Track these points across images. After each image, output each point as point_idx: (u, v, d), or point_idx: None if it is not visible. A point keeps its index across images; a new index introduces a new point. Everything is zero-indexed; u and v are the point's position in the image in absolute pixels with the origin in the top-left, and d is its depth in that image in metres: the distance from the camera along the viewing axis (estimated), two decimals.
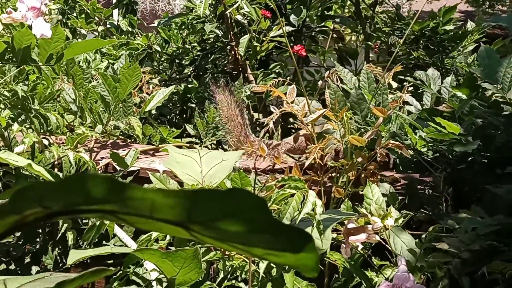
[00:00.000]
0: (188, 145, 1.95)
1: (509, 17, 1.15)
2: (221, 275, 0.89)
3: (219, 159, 1.00)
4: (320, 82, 1.48)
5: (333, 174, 1.35)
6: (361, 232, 1.00)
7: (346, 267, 1.03)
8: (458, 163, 1.37)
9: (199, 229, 0.40)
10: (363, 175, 1.43)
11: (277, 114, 1.46)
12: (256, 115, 2.62)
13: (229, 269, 0.88)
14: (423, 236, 1.04)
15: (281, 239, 0.39)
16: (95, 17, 2.84)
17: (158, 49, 2.60)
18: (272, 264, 0.86)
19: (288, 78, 2.89)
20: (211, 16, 2.42)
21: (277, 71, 3.04)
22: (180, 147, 2.01)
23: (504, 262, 0.97)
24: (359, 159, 1.37)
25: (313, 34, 2.67)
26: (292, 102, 1.47)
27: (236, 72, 2.55)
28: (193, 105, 2.60)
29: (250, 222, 0.35)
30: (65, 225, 1.31)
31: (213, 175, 0.97)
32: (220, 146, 2.41)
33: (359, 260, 1.17)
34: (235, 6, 2.15)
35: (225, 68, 2.68)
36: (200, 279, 0.92)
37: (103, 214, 0.42)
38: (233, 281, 0.98)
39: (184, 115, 2.64)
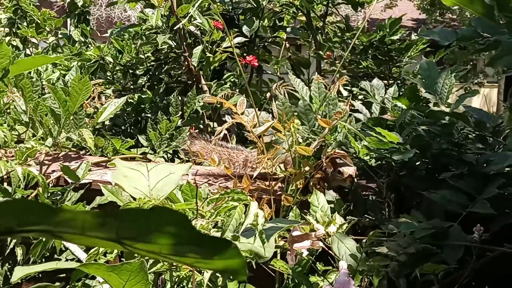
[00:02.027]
0: (141, 156, 1.95)
1: (441, 30, 1.23)
2: (168, 286, 0.91)
3: (167, 172, 1.02)
4: (268, 94, 1.52)
5: (280, 185, 1.40)
6: (305, 239, 1.04)
7: (290, 273, 1.07)
8: (400, 170, 1.44)
9: (131, 243, 0.43)
10: (311, 183, 1.48)
11: (228, 124, 1.49)
12: (211, 124, 2.65)
13: (176, 279, 0.91)
14: (364, 240, 1.10)
15: (205, 249, 0.43)
16: (46, 27, 2.81)
17: (111, 60, 2.59)
18: (217, 274, 0.89)
19: (244, 87, 2.94)
20: (164, 27, 2.44)
21: (232, 80, 3.08)
22: (133, 158, 2.02)
23: (436, 264, 1.04)
24: (307, 168, 1.42)
25: (265, 44, 2.72)
26: (242, 113, 1.51)
27: (190, 82, 2.57)
28: (148, 115, 2.61)
29: (175, 236, 0.39)
30: (14, 240, 1.29)
31: (161, 188, 0.99)
32: (176, 156, 2.42)
33: (306, 266, 1.21)
34: (187, 17, 2.17)
35: (180, 78, 2.69)
36: None
37: (39, 233, 0.44)
38: None
39: (139, 126, 2.64)
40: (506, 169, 1.33)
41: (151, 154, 2.12)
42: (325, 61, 2.86)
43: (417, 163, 1.46)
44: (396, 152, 1.26)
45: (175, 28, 2.22)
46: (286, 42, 3.14)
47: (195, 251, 0.43)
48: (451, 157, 1.32)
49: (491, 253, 1.09)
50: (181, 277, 0.90)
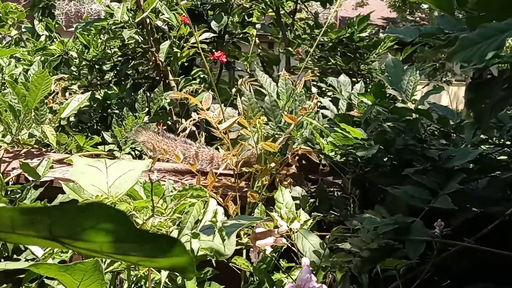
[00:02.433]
0: (106, 153, 1.91)
1: (406, 28, 1.24)
2: (126, 285, 0.88)
3: (126, 168, 0.99)
4: (234, 90, 1.51)
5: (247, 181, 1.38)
6: (268, 236, 1.03)
7: (251, 271, 1.06)
8: (365, 166, 1.44)
9: (70, 242, 0.41)
10: (277, 179, 1.47)
11: (191, 120, 1.47)
12: (180, 121, 2.62)
13: (134, 278, 0.88)
14: (327, 237, 1.09)
15: (147, 246, 0.41)
16: (8, 21, 2.72)
17: (74, 55, 2.53)
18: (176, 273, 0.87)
19: (214, 83, 2.91)
20: (131, 22, 2.39)
21: (202, 76, 3.05)
22: (98, 155, 1.97)
23: (399, 259, 1.04)
24: (272, 164, 1.41)
25: (235, 40, 2.70)
26: (207, 109, 1.48)
27: (158, 78, 2.53)
28: (115, 111, 2.56)
29: (113, 234, 0.37)
30: None
31: (120, 185, 0.97)
32: (144, 153, 2.38)
33: (270, 263, 1.20)
34: (154, 12, 2.13)
35: (148, 74, 2.65)
36: None
37: None
38: None
39: (105, 122, 2.59)
40: (471, 165, 1.35)
41: (117, 151, 2.08)
42: (294, 58, 2.85)
43: (382, 159, 1.46)
44: (360, 148, 1.26)
45: (137, 22, 2.18)
46: (257, 38, 3.13)
47: (137, 249, 0.42)
48: (415, 153, 1.33)
49: (452, 248, 1.09)
50: (138, 276, 0.88)
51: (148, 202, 0.88)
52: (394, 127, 1.46)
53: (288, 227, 1.06)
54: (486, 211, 1.13)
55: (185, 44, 2.33)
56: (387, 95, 1.67)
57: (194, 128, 2.46)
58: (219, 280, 1.29)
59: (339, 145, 1.44)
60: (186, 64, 2.79)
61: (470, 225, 1.11)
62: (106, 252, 0.43)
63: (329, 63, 2.78)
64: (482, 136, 1.53)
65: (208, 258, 0.90)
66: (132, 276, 0.88)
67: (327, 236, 1.09)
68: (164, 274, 0.84)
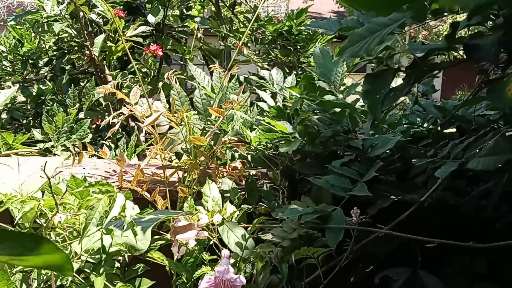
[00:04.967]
0: (36, 150, 1.86)
1: (327, 21, 1.26)
2: (35, 284, 0.86)
3: (40, 166, 0.97)
4: (160, 83, 1.49)
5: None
6: (188, 229, 1.03)
7: (167, 265, 1.06)
8: (294, 157, 1.46)
9: None
10: (215, 172, 1.47)
11: (119, 114, 1.45)
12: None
13: (44, 277, 0.86)
14: (249, 228, 1.10)
15: (9, 245, 0.40)
16: None
17: (3, 49, 2.44)
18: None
19: (154, 78, 2.88)
20: (64, 15, 2.32)
21: (144, 71, 3.01)
22: (30, 153, 1.91)
23: (320, 247, 1.06)
24: (202, 158, 1.40)
25: (173, 33, 2.67)
26: (136, 104, 1.46)
27: (95, 73, 2.47)
28: (50, 107, 2.48)
29: None
30: None
31: (33, 183, 0.94)
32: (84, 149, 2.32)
33: (198, 257, 1.20)
34: (88, 5, 2.08)
35: (85, 68, 2.59)
36: None
37: None
38: None
39: (40, 119, 2.51)
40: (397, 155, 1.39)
41: (50, 148, 2.02)
42: (234, 51, 2.85)
43: (310, 151, 1.49)
44: (284, 143, 1.27)
45: (71, 15, 2.12)
46: (198, 32, 3.10)
47: (2, 247, 0.41)
48: (340, 143, 1.36)
49: (373, 235, 1.13)
50: (49, 274, 0.86)
51: (59, 199, 0.86)
52: (320, 119, 1.49)
53: (209, 220, 1.06)
54: (404, 198, 1.17)
55: (120, 38, 2.29)
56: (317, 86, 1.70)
57: (133, 124, 2.41)
58: (149, 275, 1.28)
59: (269, 138, 1.45)
60: (125, 58, 2.74)
61: (388, 212, 1.15)
62: None
63: (270, 56, 2.80)
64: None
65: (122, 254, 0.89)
66: (43, 275, 0.86)
67: (249, 228, 1.10)
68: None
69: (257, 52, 2.68)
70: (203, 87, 1.75)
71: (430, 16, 1.04)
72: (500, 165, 0.95)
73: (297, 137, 1.29)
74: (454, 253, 1.20)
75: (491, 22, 0.86)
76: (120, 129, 2.50)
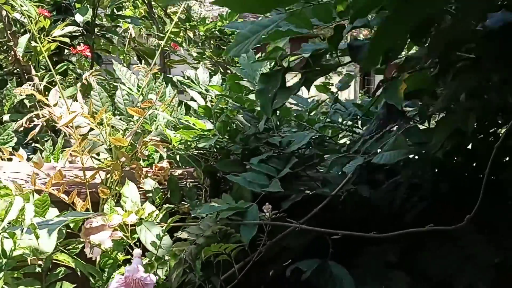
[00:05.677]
0: None
1: (245, 22, 1.28)
2: None
3: None
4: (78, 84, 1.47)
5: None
6: (100, 230, 1.03)
7: (73, 266, 1.05)
8: (218, 155, 1.48)
9: None
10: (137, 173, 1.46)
11: (33, 116, 1.41)
12: None
13: None
14: (163, 227, 1.11)
15: None
16: None
17: None
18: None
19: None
20: None
21: (79, 72, 2.94)
22: None
23: (235, 244, 1.08)
24: (123, 159, 1.39)
25: (104, 33, 2.63)
26: (55, 105, 1.43)
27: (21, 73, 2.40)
28: None
29: None
30: None
31: None
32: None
33: (117, 258, 1.19)
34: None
35: (9, 69, 2.50)
36: None
37: None
38: None
39: None
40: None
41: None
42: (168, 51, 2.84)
43: (235, 149, 1.51)
44: (203, 139, 1.29)
45: None
46: (132, 32, 3.06)
47: None
48: (260, 140, 1.39)
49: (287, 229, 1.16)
50: None
51: None
52: (246, 117, 1.51)
53: (122, 220, 1.06)
54: (317, 192, 1.21)
55: (46, 38, 2.23)
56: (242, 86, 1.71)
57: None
58: (71, 279, 1.26)
59: (193, 136, 1.46)
60: (55, 59, 2.68)
61: (302, 206, 1.18)
62: None
63: (204, 56, 2.80)
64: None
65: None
66: None
67: (163, 227, 1.11)
68: None
69: (189, 52, 2.68)
70: (129, 87, 1.74)
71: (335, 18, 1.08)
72: (400, 158, 1.00)
73: (216, 133, 1.30)
74: (368, 244, 1.25)
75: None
76: (49, 131, 2.43)
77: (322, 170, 1.51)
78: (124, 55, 3.12)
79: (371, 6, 0.79)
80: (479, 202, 0.95)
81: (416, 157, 1.31)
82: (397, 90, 0.91)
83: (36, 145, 2.41)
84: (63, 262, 1.05)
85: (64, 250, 1.19)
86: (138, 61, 3.20)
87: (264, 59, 1.13)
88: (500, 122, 1.28)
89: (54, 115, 1.39)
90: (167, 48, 2.77)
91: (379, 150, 1.17)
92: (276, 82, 0.93)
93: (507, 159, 1.30)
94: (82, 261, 1.21)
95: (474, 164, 1.36)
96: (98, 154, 1.68)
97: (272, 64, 1.78)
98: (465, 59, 0.96)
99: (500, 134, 1.26)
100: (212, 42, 2.72)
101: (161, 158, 1.69)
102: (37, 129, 1.52)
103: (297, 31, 0.94)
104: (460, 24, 0.79)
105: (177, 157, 1.66)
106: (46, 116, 1.51)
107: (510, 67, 0.91)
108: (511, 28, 0.84)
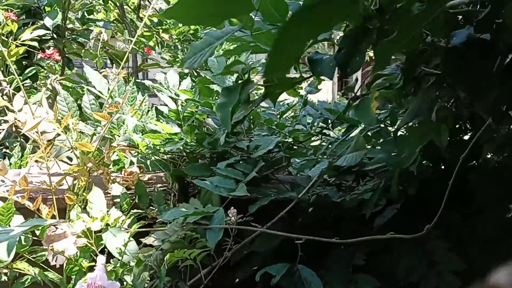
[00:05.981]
0: None
1: (214, 31, 1.28)
2: None
3: None
4: (43, 89, 1.45)
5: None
6: (63, 237, 1.01)
7: (33, 275, 1.03)
8: (186, 159, 1.47)
9: None
10: (105, 178, 1.45)
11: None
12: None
13: None
14: (128, 233, 1.10)
15: None
16: None
17: None
18: None
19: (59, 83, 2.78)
20: None
21: (46, 75, 2.90)
22: None
23: (201, 248, 1.08)
24: (89, 164, 1.38)
25: (74, 37, 2.60)
26: (20, 110, 1.41)
27: None
28: None
29: None
30: None
31: None
32: None
33: (81, 266, 1.18)
34: None
35: None
36: None
37: None
38: None
39: None
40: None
41: None
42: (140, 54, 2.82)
43: (206, 153, 1.50)
44: (169, 143, 1.28)
45: None
46: (104, 35, 3.03)
47: None
48: (229, 144, 1.39)
49: (253, 233, 1.16)
50: None
51: None
52: (215, 121, 1.51)
53: (85, 227, 1.04)
54: (285, 196, 1.21)
55: (14, 42, 2.19)
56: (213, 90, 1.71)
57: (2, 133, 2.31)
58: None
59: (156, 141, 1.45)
60: (24, 63, 2.64)
61: (269, 210, 1.18)
62: None
63: (176, 59, 2.79)
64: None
65: None
66: None
67: (128, 233, 1.10)
68: None
69: (161, 56, 2.67)
70: (99, 91, 1.72)
71: None
72: (360, 159, 1.01)
73: (183, 137, 1.30)
74: (335, 247, 1.25)
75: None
76: (19, 137, 2.39)
77: (293, 173, 1.52)
78: (97, 59, 3.09)
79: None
80: (440, 210, 0.96)
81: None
82: (369, 109, 0.91)
83: (6, 151, 2.38)
84: (23, 270, 1.03)
85: (30, 258, 1.18)
86: (111, 65, 3.17)
87: (224, 73, 1.12)
88: (466, 128, 1.29)
89: (19, 120, 1.36)
90: (140, 52, 2.75)
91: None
92: (236, 95, 0.93)
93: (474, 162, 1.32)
94: (49, 269, 1.20)
95: (443, 167, 1.38)
96: (70, 160, 1.66)
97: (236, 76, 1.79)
98: (429, 74, 0.97)
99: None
100: (185, 45, 2.71)
101: (131, 163, 1.68)
102: (1, 134, 1.50)
103: (261, 47, 0.93)
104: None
105: (148, 162, 1.65)
106: (10, 122, 1.48)
107: (471, 83, 0.92)
108: (472, 45, 0.85)
